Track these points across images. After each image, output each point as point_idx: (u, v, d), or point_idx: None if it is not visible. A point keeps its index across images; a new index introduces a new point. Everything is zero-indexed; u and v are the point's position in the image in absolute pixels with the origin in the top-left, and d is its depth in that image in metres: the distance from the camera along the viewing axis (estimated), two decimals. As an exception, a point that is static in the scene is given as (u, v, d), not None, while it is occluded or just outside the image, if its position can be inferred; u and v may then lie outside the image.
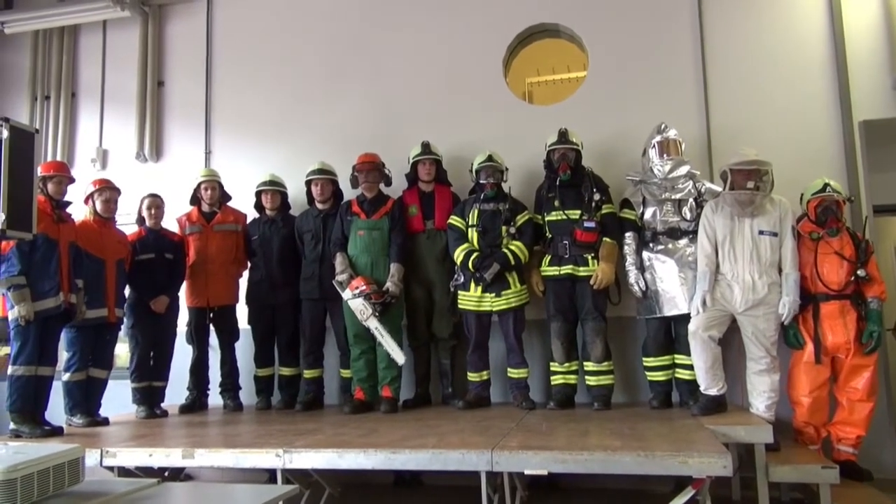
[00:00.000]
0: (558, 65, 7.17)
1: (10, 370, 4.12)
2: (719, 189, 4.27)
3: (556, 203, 4.64)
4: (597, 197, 4.58)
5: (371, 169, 4.93)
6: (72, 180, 4.52)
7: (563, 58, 6.65)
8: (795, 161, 4.66)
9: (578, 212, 4.56)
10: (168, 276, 5.06)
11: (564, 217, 4.60)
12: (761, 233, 4.06)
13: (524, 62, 6.10)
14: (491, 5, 5.58)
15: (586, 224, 4.50)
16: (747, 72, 5.04)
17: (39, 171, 4.16)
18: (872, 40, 4.86)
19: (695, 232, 4.32)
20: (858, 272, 4.07)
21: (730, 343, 4.33)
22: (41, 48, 6.53)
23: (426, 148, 5.02)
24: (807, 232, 4.21)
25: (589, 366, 4.56)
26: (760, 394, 4.03)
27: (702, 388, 4.11)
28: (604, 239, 4.54)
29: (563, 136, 4.70)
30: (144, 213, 5.07)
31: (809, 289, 4.14)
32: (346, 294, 4.68)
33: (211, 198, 5.27)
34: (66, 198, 4.47)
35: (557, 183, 4.64)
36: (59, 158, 6.14)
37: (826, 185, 4.20)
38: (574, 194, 4.62)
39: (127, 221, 5.14)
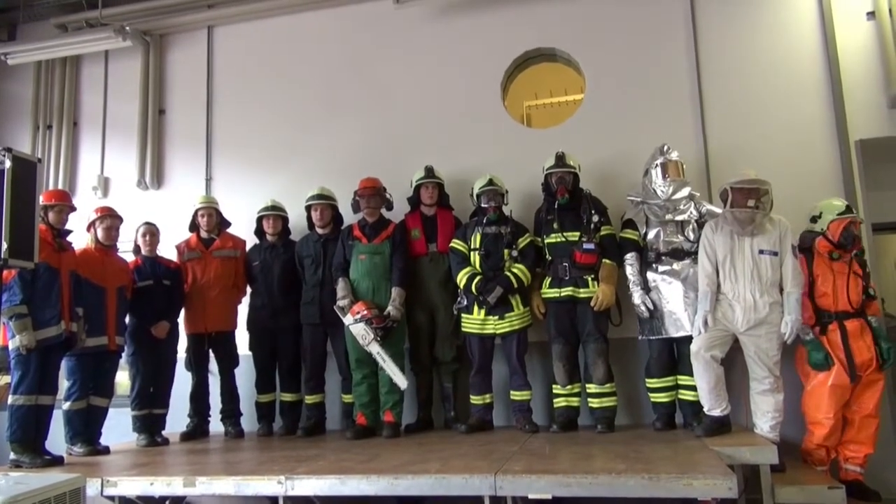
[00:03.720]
0: (556, 88, 7.23)
1: (10, 400, 4.10)
2: (719, 211, 4.29)
3: (555, 225, 4.65)
4: (595, 219, 4.60)
5: (373, 194, 4.95)
6: (73, 209, 4.55)
7: (561, 81, 6.72)
8: (793, 181, 4.68)
9: (577, 234, 4.58)
10: (166, 302, 5.06)
11: (563, 239, 4.61)
12: (761, 252, 4.07)
13: (522, 86, 6.16)
14: (488, 31, 5.64)
15: (585, 246, 4.51)
16: (743, 93, 5.09)
17: (41, 200, 4.18)
18: (866, 60, 4.92)
19: (697, 252, 4.33)
20: (870, 290, 4.11)
21: (733, 363, 4.31)
22: (43, 78, 6.59)
23: (429, 171, 5.05)
24: (826, 251, 4.21)
25: (591, 388, 4.54)
26: (764, 414, 4.01)
27: (705, 409, 4.09)
28: (603, 260, 4.55)
29: (561, 159, 4.73)
30: (140, 241, 5.10)
31: (829, 308, 4.15)
32: (348, 319, 4.68)
33: (208, 224, 5.29)
34: (67, 226, 4.49)
35: (556, 206, 4.66)
36: (60, 187, 6.17)
37: (848, 206, 4.24)
38: (573, 216, 4.64)
39: (125, 249, 5.15)
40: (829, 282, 4.16)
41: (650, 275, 4.55)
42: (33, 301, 4.12)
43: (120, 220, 4.89)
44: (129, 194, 6.19)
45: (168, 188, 6.22)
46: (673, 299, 4.43)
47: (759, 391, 4.04)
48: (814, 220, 4.35)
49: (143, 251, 5.10)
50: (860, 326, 4.10)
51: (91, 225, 4.79)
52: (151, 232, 5.14)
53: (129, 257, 5.10)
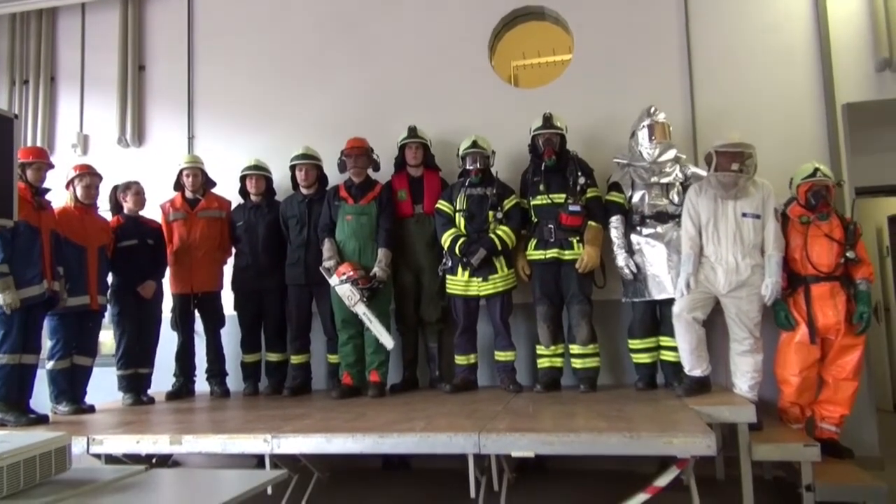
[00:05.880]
0: (544, 48, 7.14)
1: (-7, 359, 4.09)
2: (704, 174, 4.30)
3: (542, 187, 4.64)
4: (581, 181, 4.59)
5: (360, 154, 4.90)
6: (51, 166, 4.46)
7: (549, 41, 6.63)
8: (779, 144, 4.70)
9: (563, 196, 4.57)
10: (151, 261, 5.03)
11: (549, 201, 4.61)
12: (744, 215, 4.09)
13: (510, 45, 6.08)
14: (476, -12, 5.54)
15: (571, 208, 4.52)
16: (732, 56, 5.05)
17: (18, 158, 4.10)
18: (855, 24, 4.88)
19: (681, 216, 4.35)
20: (848, 254, 4.12)
21: (714, 324, 4.37)
22: (19, 32, 6.40)
23: (412, 132, 5.00)
24: (797, 216, 4.25)
25: (575, 349, 4.59)
26: (744, 374, 4.09)
27: (686, 370, 4.16)
28: (589, 223, 4.56)
29: (548, 120, 4.70)
30: (130, 199, 5.01)
31: (799, 271, 4.19)
32: (334, 280, 4.67)
33: (193, 185, 5.23)
34: (46, 184, 4.41)
35: (543, 168, 4.64)
36: (38, 144, 6.04)
37: (816, 169, 4.23)
38: (559, 178, 4.62)
39: (105, 208, 5.06)
40: (798, 246, 4.19)
41: (634, 237, 4.57)
42: (14, 260, 4.06)
43: (99, 178, 4.80)
44: (110, 152, 6.08)
45: (149, 146, 6.11)
46: (656, 262, 4.46)
47: (739, 352, 4.11)
48: (790, 186, 4.38)
49: (133, 208, 5.01)
50: (830, 290, 4.14)
51: (70, 183, 4.71)
52: (141, 191, 5.07)
53: (107, 216, 5.03)
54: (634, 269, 4.48)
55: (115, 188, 5.07)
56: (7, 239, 4.04)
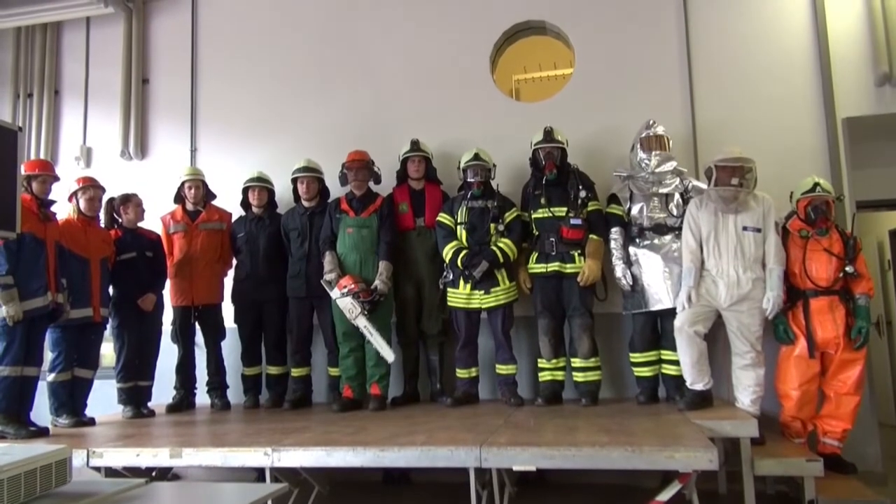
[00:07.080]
0: (545, 62, 7.19)
1: (-5, 371, 4.08)
2: (704, 187, 4.31)
3: (543, 201, 4.65)
4: (583, 194, 4.60)
5: (361, 167, 4.92)
6: (56, 179, 4.47)
7: (550, 55, 6.68)
8: (779, 158, 4.72)
9: (565, 209, 4.59)
10: (151, 273, 5.03)
11: (551, 215, 4.62)
12: (745, 229, 4.10)
13: (511, 59, 6.12)
14: (478, 3, 5.57)
15: (573, 221, 4.53)
16: (732, 69, 5.08)
17: (23, 170, 4.12)
18: (855, 38, 4.92)
19: (681, 228, 4.36)
20: (847, 269, 4.12)
21: (715, 338, 4.36)
22: (23, 45, 6.44)
23: (415, 145, 5.02)
24: (796, 230, 4.26)
25: (576, 362, 4.59)
26: (746, 388, 4.07)
27: (688, 383, 4.15)
28: (590, 236, 4.57)
29: (549, 134, 4.72)
30: (131, 212, 5.01)
31: (798, 285, 4.20)
32: (335, 293, 4.68)
33: (195, 197, 5.24)
34: (51, 196, 4.43)
35: (543, 181, 4.66)
36: (42, 157, 6.06)
37: (816, 184, 4.23)
38: (560, 192, 4.64)
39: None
40: (797, 260, 4.20)
41: (631, 249, 4.58)
42: (19, 272, 4.07)
43: (102, 190, 4.82)
44: (113, 164, 6.10)
45: (152, 158, 6.13)
46: (652, 273, 4.46)
47: (741, 366, 4.10)
48: (791, 200, 4.39)
49: (130, 222, 5.02)
50: (829, 304, 4.14)
51: (73, 195, 4.72)
52: (141, 202, 5.09)
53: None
54: (631, 281, 4.49)
55: (111, 201, 5.05)
56: (12, 250, 4.05)
